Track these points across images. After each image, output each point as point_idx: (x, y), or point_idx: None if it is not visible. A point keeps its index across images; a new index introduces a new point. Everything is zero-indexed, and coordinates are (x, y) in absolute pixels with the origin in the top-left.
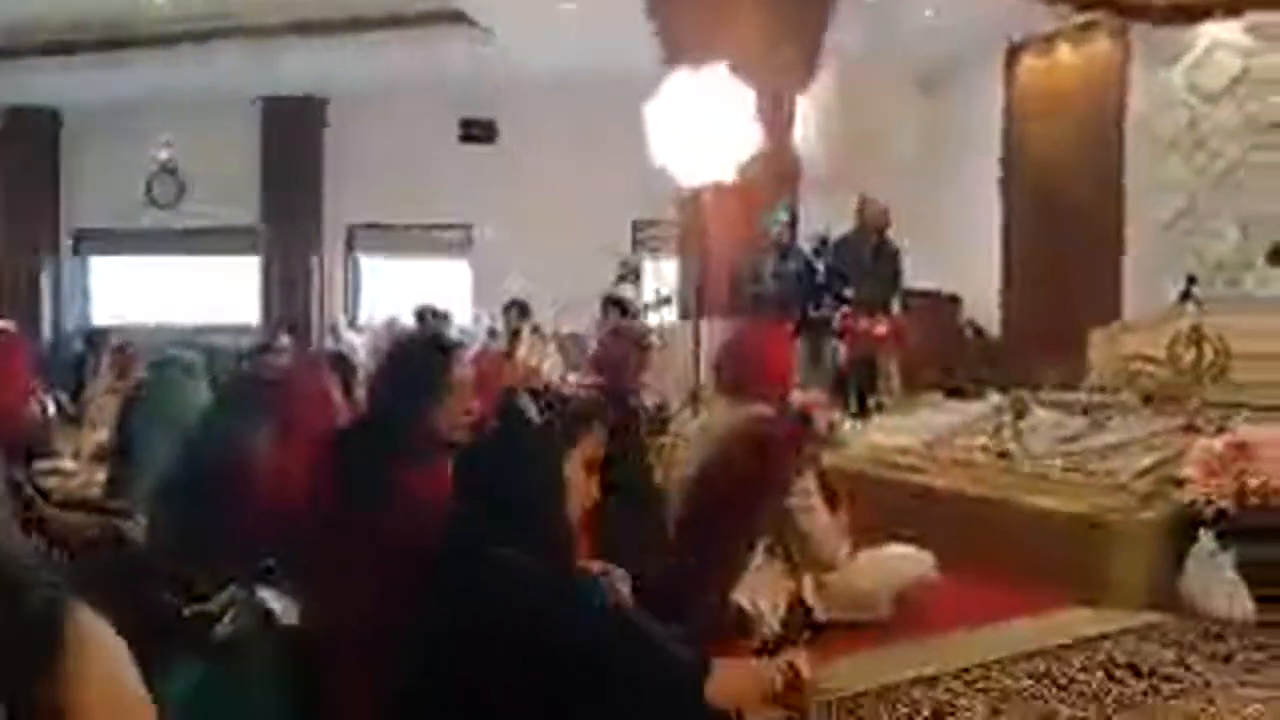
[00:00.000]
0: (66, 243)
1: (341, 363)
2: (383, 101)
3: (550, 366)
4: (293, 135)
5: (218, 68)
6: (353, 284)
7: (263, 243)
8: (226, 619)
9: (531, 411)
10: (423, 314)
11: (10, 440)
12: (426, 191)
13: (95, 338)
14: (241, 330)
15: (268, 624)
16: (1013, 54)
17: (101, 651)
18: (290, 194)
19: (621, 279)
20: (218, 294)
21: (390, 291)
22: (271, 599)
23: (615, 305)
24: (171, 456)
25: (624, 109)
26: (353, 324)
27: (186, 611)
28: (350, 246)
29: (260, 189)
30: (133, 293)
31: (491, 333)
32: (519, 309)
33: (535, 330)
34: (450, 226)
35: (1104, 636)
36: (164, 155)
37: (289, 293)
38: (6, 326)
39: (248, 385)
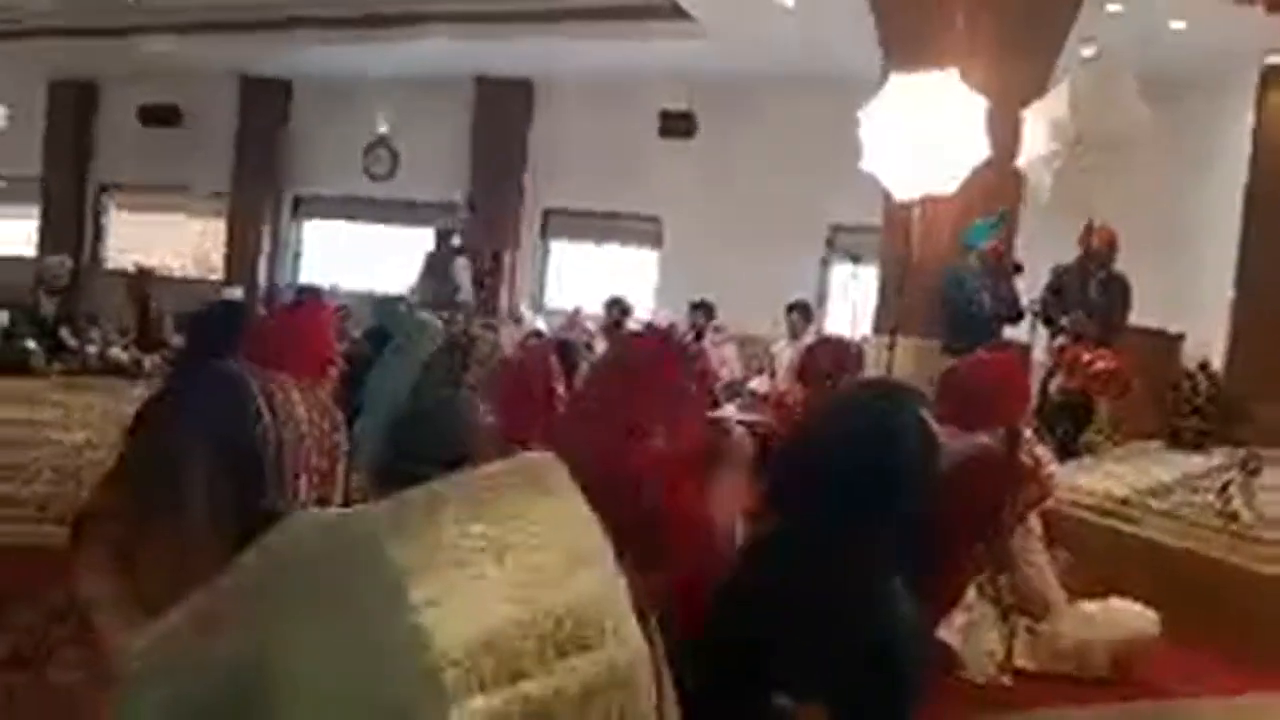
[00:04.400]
0: (286, 207)
1: (565, 348)
2: (589, 89)
3: (730, 370)
4: (502, 117)
5: (436, 49)
6: (542, 268)
7: (460, 218)
8: None
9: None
10: (611, 305)
11: None
12: (622, 182)
13: (305, 295)
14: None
15: None
16: (1269, 75)
17: None
18: (495, 174)
19: None
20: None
21: (577, 278)
22: None
23: (801, 310)
24: (397, 417)
25: (831, 110)
26: (540, 308)
27: None
28: (544, 230)
29: (469, 167)
30: (342, 257)
31: (671, 326)
32: (704, 309)
33: (718, 330)
34: (642, 218)
35: None
36: (382, 129)
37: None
38: (234, 293)
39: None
